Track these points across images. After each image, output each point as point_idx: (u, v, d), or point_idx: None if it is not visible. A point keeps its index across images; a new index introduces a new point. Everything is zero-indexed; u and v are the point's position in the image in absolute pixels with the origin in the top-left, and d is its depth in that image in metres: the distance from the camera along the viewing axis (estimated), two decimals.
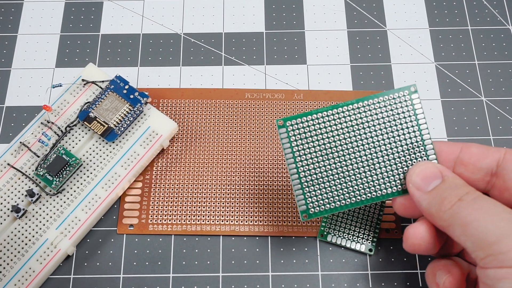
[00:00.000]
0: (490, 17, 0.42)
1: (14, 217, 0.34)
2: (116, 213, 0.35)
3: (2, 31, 0.42)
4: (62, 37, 0.42)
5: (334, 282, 0.34)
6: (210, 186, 0.36)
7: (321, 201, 0.30)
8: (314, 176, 0.30)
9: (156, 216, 0.35)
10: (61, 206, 0.34)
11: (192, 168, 0.36)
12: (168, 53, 0.41)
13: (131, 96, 0.36)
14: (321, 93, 0.39)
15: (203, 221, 0.35)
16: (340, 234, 0.34)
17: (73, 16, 0.42)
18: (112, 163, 0.35)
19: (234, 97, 0.39)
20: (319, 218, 0.35)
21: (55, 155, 0.35)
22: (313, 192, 0.30)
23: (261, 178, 0.36)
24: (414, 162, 0.30)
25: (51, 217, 0.34)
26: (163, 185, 0.36)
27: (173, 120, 0.37)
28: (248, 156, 0.37)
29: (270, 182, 0.36)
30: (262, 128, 0.38)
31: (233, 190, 0.36)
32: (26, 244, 0.33)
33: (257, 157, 0.37)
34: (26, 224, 0.33)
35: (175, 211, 0.35)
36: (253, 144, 0.37)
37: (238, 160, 0.37)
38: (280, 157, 0.37)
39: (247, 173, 0.36)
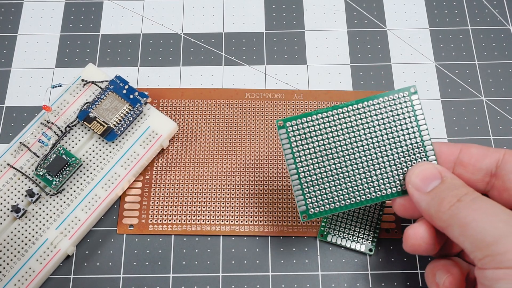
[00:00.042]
0: (490, 17, 0.42)
1: (14, 217, 0.34)
2: (116, 213, 0.35)
3: (2, 31, 0.42)
4: (62, 37, 0.42)
5: (334, 282, 0.34)
6: (210, 186, 0.36)
7: (321, 202, 0.30)
8: (314, 176, 0.30)
9: (156, 216, 0.35)
10: (61, 206, 0.34)
11: (192, 168, 0.36)
12: (168, 53, 0.41)
13: (131, 96, 0.36)
14: (321, 93, 0.39)
15: (203, 221, 0.35)
16: (340, 234, 0.34)
17: (73, 16, 0.42)
18: (112, 163, 0.35)
19: (234, 97, 0.39)
20: (319, 218, 0.35)
21: (55, 155, 0.35)
22: (313, 193, 0.30)
23: (261, 178, 0.36)
24: (414, 163, 0.30)
25: (51, 217, 0.34)
26: (163, 185, 0.36)
27: (173, 120, 0.37)
28: (248, 156, 0.37)
29: (270, 182, 0.36)
30: (262, 128, 0.38)
31: (233, 190, 0.36)
32: (26, 244, 0.33)
33: (257, 157, 0.37)
34: (26, 224, 0.33)
35: (175, 211, 0.35)
36: (253, 144, 0.37)
37: (238, 160, 0.37)
38: (280, 157, 0.37)
39: (247, 173, 0.36)
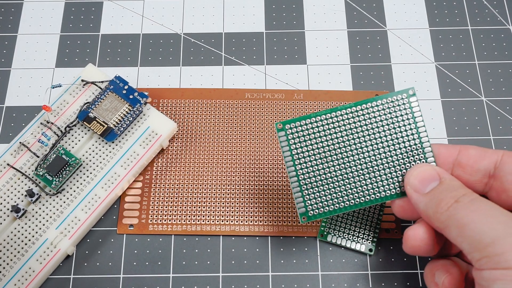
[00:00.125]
0: (490, 17, 0.42)
1: (14, 217, 0.34)
2: (116, 213, 0.35)
3: (2, 31, 0.42)
4: (62, 37, 0.42)
5: (334, 282, 0.34)
6: (210, 186, 0.36)
7: (320, 204, 0.30)
8: (313, 178, 0.30)
9: (156, 216, 0.35)
10: (61, 206, 0.34)
11: (192, 168, 0.36)
12: (168, 53, 0.41)
13: (131, 96, 0.36)
14: (321, 93, 0.39)
15: (203, 221, 0.35)
16: (340, 234, 0.34)
17: (73, 16, 0.42)
18: (112, 163, 0.35)
19: (234, 97, 0.39)
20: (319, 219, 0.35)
21: (54, 155, 0.35)
22: (312, 195, 0.30)
23: (261, 178, 0.36)
24: (413, 164, 0.30)
25: (50, 217, 0.34)
26: (163, 185, 0.36)
27: (173, 120, 0.37)
28: (248, 156, 0.37)
29: (270, 182, 0.36)
30: (262, 128, 0.38)
31: (233, 190, 0.36)
32: (26, 244, 0.33)
33: (257, 157, 0.37)
34: (26, 224, 0.33)
35: (175, 211, 0.35)
36: (253, 144, 0.37)
37: (238, 160, 0.37)
38: (280, 157, 0.37)
39: (247, 173, 0.36)
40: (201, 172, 0.36)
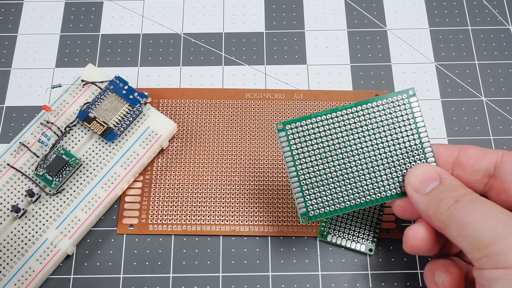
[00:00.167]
0: (490, 17, 0.42)
1: (14, 217, 0.34)
2: (116, 213, 0.35)
3: (2, 31, 0.42)
4: (62, 37, 0.42)
5: (334, 282, 0.34)
6: (210, 186, 0.36)
7: (321, 204, 0.30)
8: (314, 179, 0.30)
9: (156, 216, 0.35)
10: (61, 206, 0.34)
11: (192, 168, 0.36)
12: (168, 53, 0.41)
13: (131, 97, 0.36)
14: (321, 93, 0.39)
15: (203, 221, 0.35)
16: (340, 234, 0.34)
17: (73, 16, 0.42)
18: (112, 163, 0.35)
19: (234, 97, 0.39)
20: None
21: (54, 155, 0.35)
22: (313, 195, 0.30)
23: (261, 178, 0.36)
24: (413, 164, 0.30)
25: (50, 217, 0.34)
26: (163, 185, 0.36)
27: (173, 120, 0.37)
28: (248, 156, 0.37)
29: (270, 182, 0.36)
30: (262, 128, 0.38)
31: (233, 190, 0.36)
32: (26, 244, 0.33)
33: (257, 157, 0.37)
34: (26, 224, 0.33)
35: (175, 211, 0.35)
36: (253, 144, 0.37)
37: (238, 160, 0.37)
38: (280, 157, 0.37)
39: (247, 173, 0.36)
40: (201, 172, 0.36)
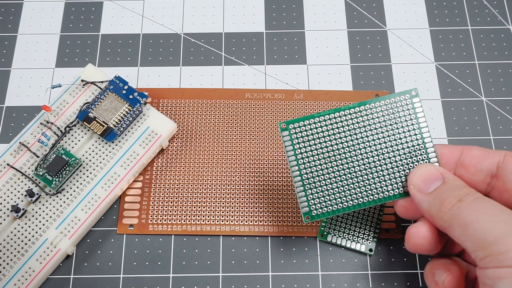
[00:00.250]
0: (490, 17, 0.42)
1: (14, 217, 0.34)
2: (116, 213, 0.35)
3: (2, 31, 0.42)
4: (62, 37, 0.41)
5: (334, 282, 0.34)
6: (210, 186, 0.36)
7: (324, 203, 0.30)
8: (317, 178, 0.30)
9: (156, 216, 0.35)
10: (61, 206, 0.34)
11: (192, 168, 0.36)
12: (168, 53, 0.41)
13: (130, 97, 0.36)
14: (321, 93, 0.39)
15: (203, 221, 0.35)
16: (340, 234, 0.34)
17: (73, 16, 0.42)
18: (112, 163, 0.35)
19: (234, 97, 0.39)
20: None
21: (54, 155, 0.35)
22: (316, 194, 0.30)
23: (261, 178, 0.36)
24: (416, 164, 0.30)
25: (50, 217, 0.34)
26: (163, 185, 0.36)
27: (173, 120, 0.37)
28: (248, 156, 0.37)
29: (270, 182, 0.36)
30: (262, 128, 0.38)
31: (233, 190, 0.36)
32: (26, 244, 0.33)
33: (257, 157, 0.37)
34: (26, 224, 0.33)
35: (175, 211, 0.35)
36: (253, 144, 0.37)
37: (238, 160, 0.37)
38: (280, 157, 0.37)
39: (247, 173, 0.36)
40: (201, 172, 0.36)
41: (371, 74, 0.40)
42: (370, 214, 0.35)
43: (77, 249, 0.35)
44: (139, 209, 0.35)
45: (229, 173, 0.36)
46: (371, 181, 0.30)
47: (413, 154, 0.30)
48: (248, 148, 0.37)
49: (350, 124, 0.30)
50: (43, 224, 0.33)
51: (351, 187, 0.30)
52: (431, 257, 0.33)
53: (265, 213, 0.35)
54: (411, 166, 0.30)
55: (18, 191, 0.34)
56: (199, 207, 0.35)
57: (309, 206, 0.30)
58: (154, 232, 0.35)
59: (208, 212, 0.35)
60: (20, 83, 0.40)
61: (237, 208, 0.35)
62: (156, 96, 0.39)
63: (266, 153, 0.37)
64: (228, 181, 0.36)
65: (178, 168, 0.36)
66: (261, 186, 0.36)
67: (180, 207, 0.35)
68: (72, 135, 0.36)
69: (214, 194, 0.36)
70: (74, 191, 0.34)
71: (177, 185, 0.36)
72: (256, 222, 0.35)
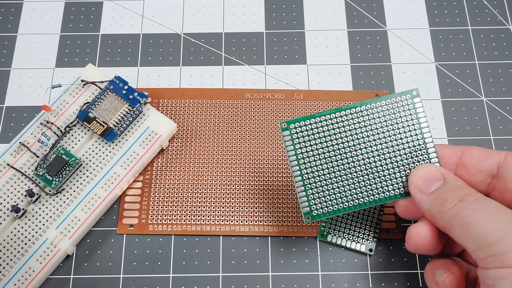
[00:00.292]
0: (490, 17, 0.42)
1: (13, 217, 0.34)
2: (116, 213, 0.35)
3: (2, 31, 0.42)
4: (62, 37, 0.41)
5: (334, 282, 0.34)
6: (210, 186, 0.36)
7: (324, 203, 0.30)
8: (318, 178, 0.30)
9: (156, 216, 0.35)
10: (61, 206, 0.34)
11: (192, 168, 0.36)
12: (168, 53, 0.41)
13: (130, 97, 0.36)
14: (321, 93, 0.39)
15: (203, 221, 0.35)
16: (340, 234, 0.34)
17: (73, 16, 0.42)
18: (112, 163, 0.35)
19: (234, 97, 0.39)
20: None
21: (54, 155, 0.35)
22: (316, 194, 0.30)
23: (261, 178, 0.36)
24: (416, 165, 0.30)
25: (50, 217, 0.34)
26: (163, 185, 0.36)
27: (173, 120, 0.37)
28: (248, 156, 0.37)
29: (270, 182, 0.36)
30: (262, 128, 0.38)
31: (233, 190, 0.36)
32: (26, 244, 0.33)
33: (257, 157, 0.37)
34: (26, 224, 0.33)
35: (175, 211, 0.35)
36: (253, 144, 0.37)
37: (238, 160, 0.37)
38: (280, 157, 0.37)
39: (247, 173, 0.36)
40: (201, 172, 0.36)
41: (371, 74, 0.40)
42: (370, 214, 0.35)
43: (77, 249, 0.35)
44: (139, 209, 0.35)
45: (229, 173, 0.36)
46: (372, 181, 0.30)
47: (414, 154, 0.30)
48: (248, 148, 0.37)
49: (351, 124, 0.30)
50: (43, 224, 0.33)
51: (351, 187, 0.30)
52: (431, 257, 0.33)
53: (265, 213, 0.35)
54: (412, 166, 0.30)
55: (18, 191, 0.34)
56: (199, 207, 0.35)
57: (309, 206, 0.30)
58: (154, 232, 0.35)
59: (208, 212, 0.35)
60: (20, 83, 0.40)
61: (237, 208, 0.35)
62: (156, 96, 0.39)
63: (266, 153, 0.37)
64: (228, 181, 0.36)
65: (178, 168, 0.36)
66: (261, 186, 0.36)
67: (180, 207, 0.35)
68: (72, 135, 0.36)
69: (214, 194, 0.36)
70: (74, 191, 0.34)
71: (177, 185, 0.36)
72: (256, 222, 0.35)
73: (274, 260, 0.34)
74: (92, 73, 0.37)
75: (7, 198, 0.34)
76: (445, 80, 0.40)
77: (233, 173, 0.36)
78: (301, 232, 0.35)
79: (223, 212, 0.35)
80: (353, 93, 0.39)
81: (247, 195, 0.36)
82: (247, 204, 0.35)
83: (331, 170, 0.30)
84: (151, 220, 0.35)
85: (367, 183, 0.30)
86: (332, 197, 0.30)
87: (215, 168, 0.36)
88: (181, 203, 0.35)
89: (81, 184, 0.35)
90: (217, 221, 0.35)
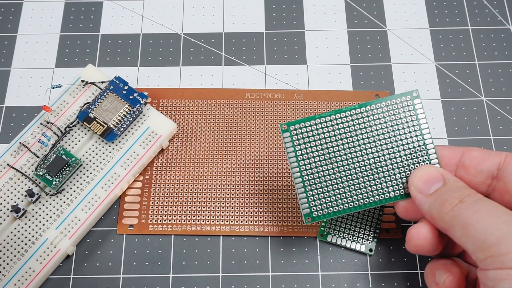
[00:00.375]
0: (490, 17, 0.42)
1: (14, 217, 0.34)
2: (116, 213, 0.35)
3: (2, 31, 0.42)
4: (62, 37, 0.41)
5: (334, 282, 0.34)
6: (210, 186, 0.36)
7: (325, 205, 0.30)
8: (318, 179, 0.30)
9: (156, 216, 0.35)
10: (61, 206, 0.34)
11: (192, 168, 0.36)
12: (168, 53, 0.41)
13: (131, 97, 0.36)
14: (321, 93, 0.39)
15: (203, 221, 0.35)
16: (340, 234, 0.34)
17: (73, 16, 0.42)
18: (112, 163, 0.35)
19: (234, 97, 0.39)
20: None
21: (54, 155, 0.35)
22: (317, 196, 0.30)
23: (261, 178, 0.36)
24: (417, 166, 0.30)
25: (50, 217, 0.34)
26: (163, 185, 0.36)
27: (173, 120, 0.37)
28: (248, 156, 0.37)
29: (270, 182, 0.36)
30: (262, 128, 0.38)
31: (233, 190, 0.36)
32: (26, 244, 0.33)
33: (257, 157, 0.37)
34: (26, 224, 0.33)
35: (175, 211, 0.35)
36: (253, 144, 0.37)
37: (238, 160, 0.37)
38: (280, 157, 0.37)
39: (247, 173, 0.36)
40: (201, 172, 0.36)
41: (371, 74, 0.40)
42: (370, 214, 0.35)
43: (77, 249, 0.35)
44: (139, 209, 0.35)
45: (229, 173, 0.36)
46: (372, 183, 0.30)
47: (414, 156, 0.30)
48: (248, 148, 0.37)
49: (351, 125, 0.30)
50: (43, 224, 0.33)
51: (352, 188, 0.30)
52: (431, 258, 0.33)
53: (265, 213, 0.35)
54: (412, 167, 0.30)
55: (18, 191, 0.34)
56: (199, 207, 0.35)
57: (310, 208, 0.30)
58: (154, 232, 0.35)
59: (208, 212, 0.35)
60: (20, 83, 0.40)
61: (237, 208, 0.35)
62: (156, 96, 0.39)
63: (266, 153, 0.37)
64: (228, 181, 0.36)
65: (178, 168, 0.36)
66: (261, 186, 0.36)
67: (180, 207, 0.35)
68: (72, 135, 0.36)
69: (214, 194, 0.36)
70: (74, 191, 0.34)
71: (177, 185, 0.36)
72: (256, 222, 0.35)
73: (274, 260, 0.34)
74: (92, 73, 0.37)
75: (7, 198, 0.34)
76: (445, 80, 0.40)
77: (233, 173, 0.36)
78: (301, 232, 0.35)
79: (223, 212, 0.35)
80: (353, 93, 0.39)
81: (247, 195, 0.36)
82: (247, 204, 0.35)
83: (331, 172, 0.30)
84: (151, 220, 0.35)
85: (367, 184, 0.30)
86: (332, 198, 0.30)
87: (215, 168, 0.37)
88: (181, 203, 0.35)
89: (81, 184, 0.35)
90: (217, 221, 0.35)
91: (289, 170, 0.36)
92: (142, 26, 0.42)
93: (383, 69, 0.40)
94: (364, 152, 0.30)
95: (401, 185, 0.30)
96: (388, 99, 0.31)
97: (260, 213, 0.35)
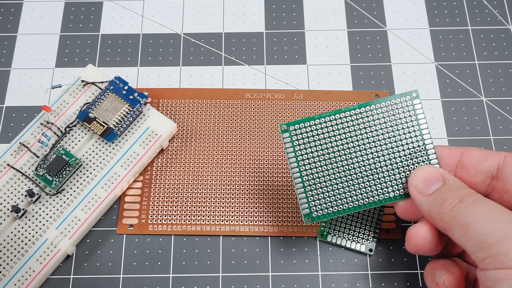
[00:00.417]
0: (490, 17, 0.42)
1: (14, 217, 0.34)
2: (116, 213, 0.35)
3: (2, 31, 0.42)
4: (62, 37, 0.41)
5: (334, 282, 0.34)
6: (210, 186, 0.36)
7: (324, 205, 0.30)
8: (317, 180, 0.30)
9: (156, 216, 0.35)
10: (61, 206, 0.34)
11: (192, 168, 0.36)
12: (168, 53, 0.41)
13: (131, 97, 0.36)
14: (321, 93, 0.39)
15: (203, 221, 0.35)
16: (340, 234, 0.34)
17: (73, 16, 0.42)
18: (112, 163, 0.35)
19: (234, 97, 0.39)
20: None
21: (54, 155, 0.35)
22: (316, 196, 0.30)
23: (261, 178, 0.36)
24: (416, 166, 0.30)
25: (51, 217, 0.34)
26: (163, 185, 0.36)
27: (173, 120, 0.37)
28: (248, 156, 0.37)
29: (270, 182, 0.36)
30: (262, 128, 0.38)
31: (233, 190, 0.36)
32: (26, 244, 0.33)
33: (257, 157, 0.37)
34: (26, 224, 0.33)
35: (175, 211, 0.35)
36: (253, 144, 0.37)
37: (238, 160, 0.37)
38: (280, 157, 0.37)
39: (247, 173, 0.36)
40: (201, 172, 0.36)
41: (371, 74, 0.40)
42: (370, 214, 0.35)
43: (77, 249, 0.35)
44: (139, 209, 0.35)
45: (229, 173, 0.36)
46: (372, 183, 0.30)
47: (413, 156, 0.30)
48: (248, 148, 0.37)
49: (350, 125, 0.30)
50: (43, 224, 0.33)
51: (351, 188, 0.30)
52: (431, 258, 0.33)
53: (265, 213, 0.35)
54: (411, 167, 0.30)
55: (18, 191, 0.34)
56: (199, 207, 0.35)
57: (309, 208, 0.30)
58: (154, 232, 0.35)
59: (208, 212, 0.35)
60: (20, 83, 0.40)
61: (237, 208, 0.35)
62: (156, 96, 0.39)
63: (266, 153, 0.37)
64: (228, 181, 0.36)
65: (178, 168, 0.37)
66: (261, 186, 0.36)
67: (180, 207, 0.35)
68: (72, 135, 0.36)
69: (214, 194, 0.36)
70: (74, 191, 0.34)
71: (177, 185, 0.36)
72: (256, 222, 0.35)
73: (274, 260, 0.34)
74: (92, 74, 0.37)
75: (7, 198, 0.34)
76: (445, 80, 0.40)
77: (233, 173, 0.36)
78: (301, 232, 0.35)
79: (223, 212, 0.35)
80: (353, 93, 0.39)
81: (247, 195, 0.36)
82: (247, 204, 0.35)
83: (330, 172, 0.30)
84: (151, 220, 0.35)
85: (366, 184, 0.30)
86: (332, 198, 0.30)
87: (215, 168, 0.37)
88: (181, 203, 0.35)
89: (81, 184, 0.35)
90: (217, 221, 0.35)
91: (289, 170, 0.36)
92: (142, 26, 0.42)
93: (383, 69, 0.40)
94: (364, 152, 0.30)
95: (400, 185, 0.30)
96: (388, 99, 0.31)
97: (260, 213, 0.35)
